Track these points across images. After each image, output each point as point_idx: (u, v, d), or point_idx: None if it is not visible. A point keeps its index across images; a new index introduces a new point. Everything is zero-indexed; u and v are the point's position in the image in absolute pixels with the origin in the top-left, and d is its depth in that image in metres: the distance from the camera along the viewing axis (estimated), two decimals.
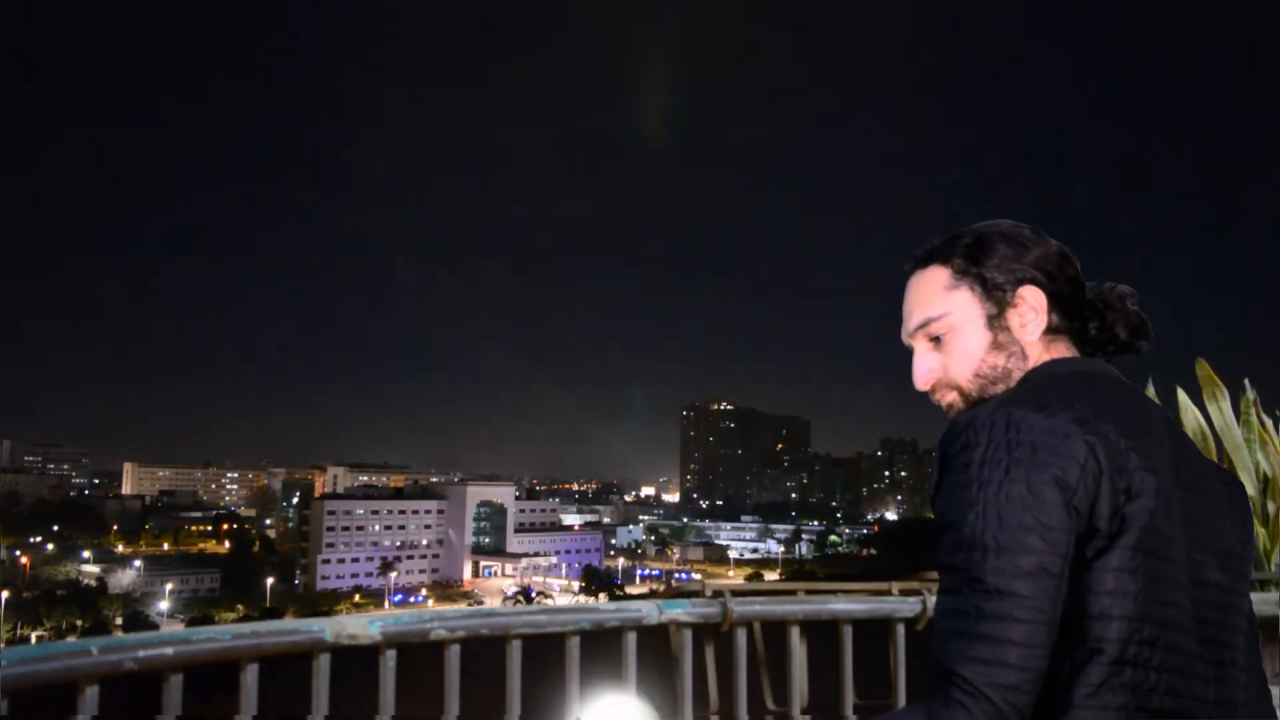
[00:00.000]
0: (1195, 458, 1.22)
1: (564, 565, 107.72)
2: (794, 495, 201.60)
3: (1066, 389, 1.16)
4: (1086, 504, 1.06)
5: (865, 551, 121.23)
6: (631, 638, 2.09)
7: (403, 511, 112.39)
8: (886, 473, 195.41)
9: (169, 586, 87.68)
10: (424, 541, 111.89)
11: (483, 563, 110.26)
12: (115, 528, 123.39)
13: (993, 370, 1.28)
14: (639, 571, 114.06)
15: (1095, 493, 1.07)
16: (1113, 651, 1.05)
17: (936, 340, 1.31)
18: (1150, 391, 2.85)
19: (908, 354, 1.34)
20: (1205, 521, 1.17)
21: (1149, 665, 1.05)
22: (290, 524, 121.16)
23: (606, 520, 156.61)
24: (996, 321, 1.28)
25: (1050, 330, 1.28)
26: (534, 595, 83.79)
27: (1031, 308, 1.28)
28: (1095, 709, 1.04)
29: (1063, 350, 1.29)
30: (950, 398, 1.31)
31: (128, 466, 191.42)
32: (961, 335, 1.29)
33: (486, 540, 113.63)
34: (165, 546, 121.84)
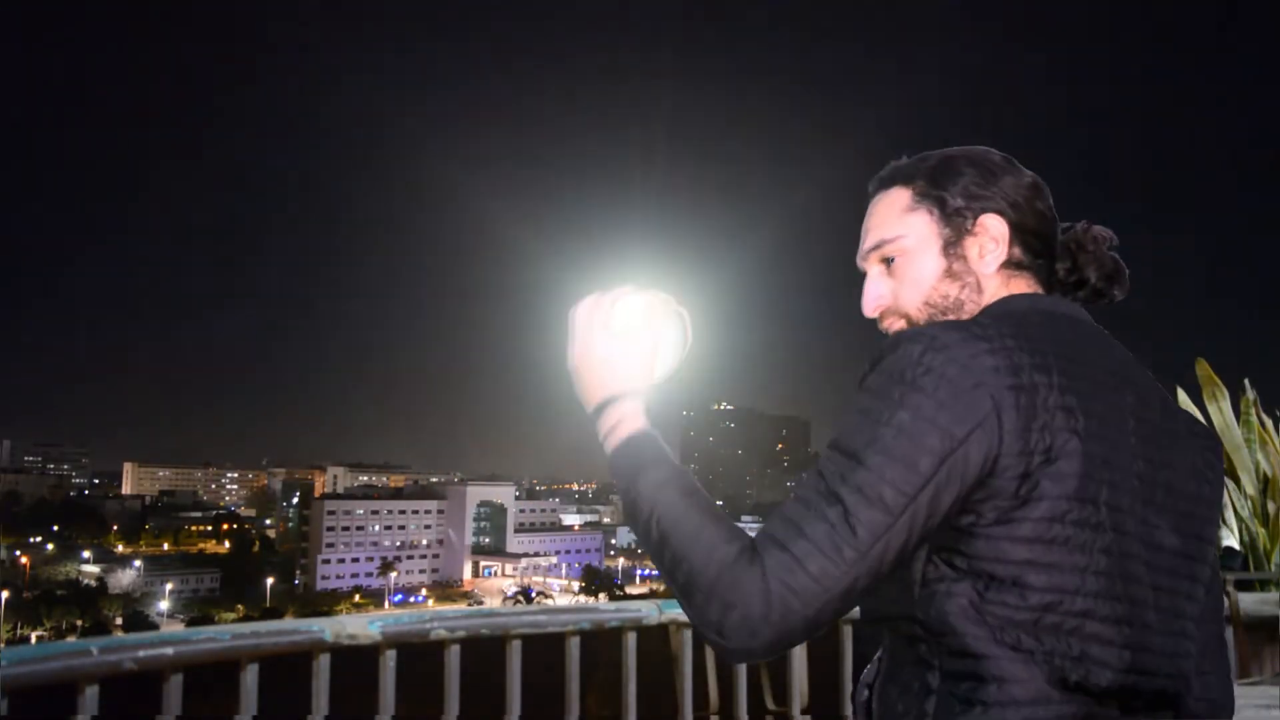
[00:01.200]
0: (1160, 410, 1.12)
1: (564, 565, 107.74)
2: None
3: (1012, 328, 1.05)
4: (978, 462, 0.96)
5: None
6: (631, 638, 2.09)
7: (403, 511, 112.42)
8: None
9: (169, 586, 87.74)
10: (424, 541, 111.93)
11: (483, 563, 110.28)
12: (115, 528, 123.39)
13: (943, 299, 1.20)
14: (639, 571, 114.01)
15: (993, 451, 0.96)
16: (1026, 622, 0.96)
17: (889, 264, 1.24)
18: None
19: None
20: (1164, 480, 1.07)
21: (1072, 638, 0.96)
22: (290, 524, 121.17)
23: (606, 520, 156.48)
24: (953, 249, 1.21)
25: (1011, 264, 1.20)
26: (534, 595, 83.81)
27: (992, 237, 1.20)
28: (1018, 682, 0.96)
29: (1022, 287, 1.21)
30: (897, 326, 1.23)
31: (128, 466, 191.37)
32: (914, 260, 1.22)
33: (486, 540, 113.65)
34: (165, 546, 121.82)
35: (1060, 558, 0.97)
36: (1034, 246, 1.22)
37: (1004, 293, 1.20)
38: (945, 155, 1.25)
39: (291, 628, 1.78)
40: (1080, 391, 1.02)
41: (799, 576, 0.92)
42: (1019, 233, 1.21)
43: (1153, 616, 1.01)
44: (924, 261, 1.21)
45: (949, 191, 1.22)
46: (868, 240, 1.26)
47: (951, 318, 1.18)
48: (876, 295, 1.25)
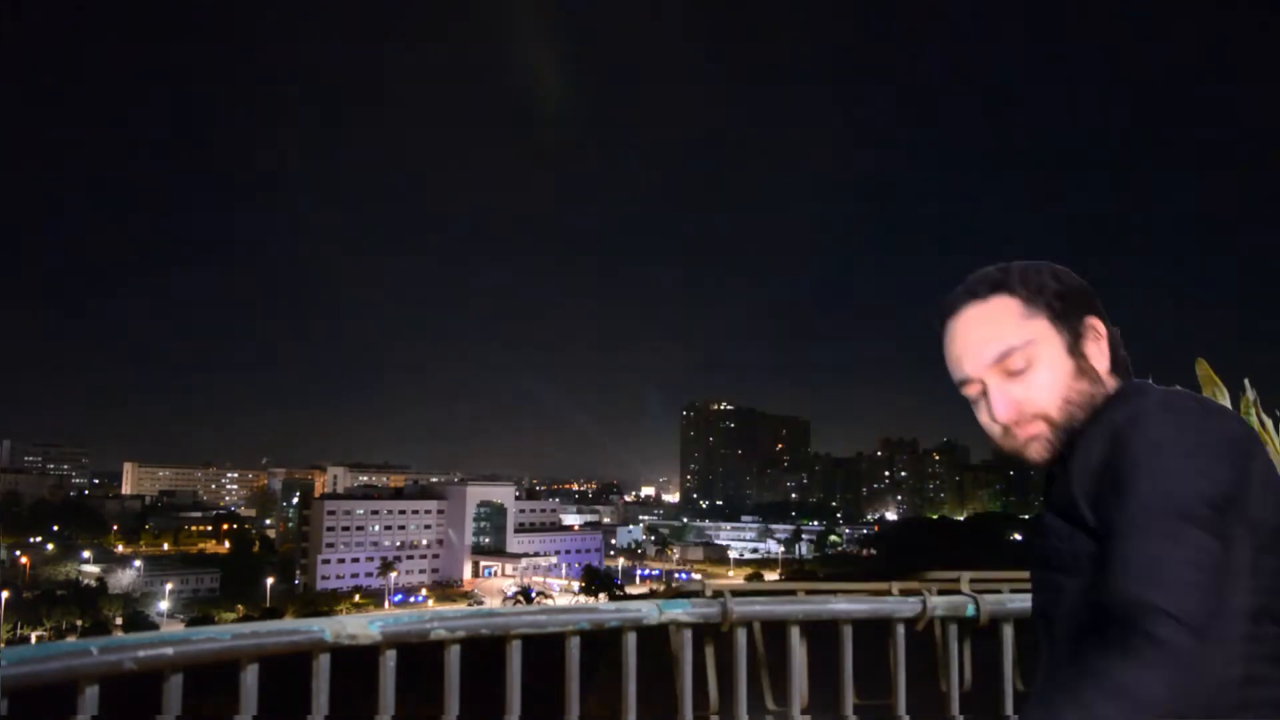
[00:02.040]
0: None
1: (564, 565, 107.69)
2: (794, 495, 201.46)
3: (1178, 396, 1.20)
4: (1251, 471, 1.14)
5: (865, 551, 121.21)
6: (631, 638, 2.09)
7: (403, 511, 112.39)
8: (886, 473, 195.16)
9: (169, 586, 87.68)
10: (424, 541, 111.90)
11: (483, 563, 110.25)
12: (115, 528, 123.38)
13: (1080, 397, 1.26)
14: (639, 571, 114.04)
15: (1260, 460, 1.15)
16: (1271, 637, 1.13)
17: (1012, 371, 1.27)
18: None
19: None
20: None
21: None
22: (290, 524, 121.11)
23: (606, 520, 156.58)
24: (1076, 349, 1.27)
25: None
26: (534, 595, 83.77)
27: (1101, 335, 1.29)
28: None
29: (1121, 377, 1.30)
30: (1036, 429, 1.27)
31: (128, 466, 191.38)
32: (1046, 363, 1.26)
33: (486, 540, 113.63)
34: (165, 546, 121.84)
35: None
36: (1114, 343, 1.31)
37: (1115, 386, 1.28)
38: (1024, 266, 1.32)
39: (291, 628, 1.78)
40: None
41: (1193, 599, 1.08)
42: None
43: None
44: (1056, 362, 1.26)
45: (1055, 294, 1.28)
46: (988, 350, 1.28)
47: (1084, 415, 1.25)
48: (1012, 401, 1.27)
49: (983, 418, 1.32)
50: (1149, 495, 1.09)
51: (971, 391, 1.32)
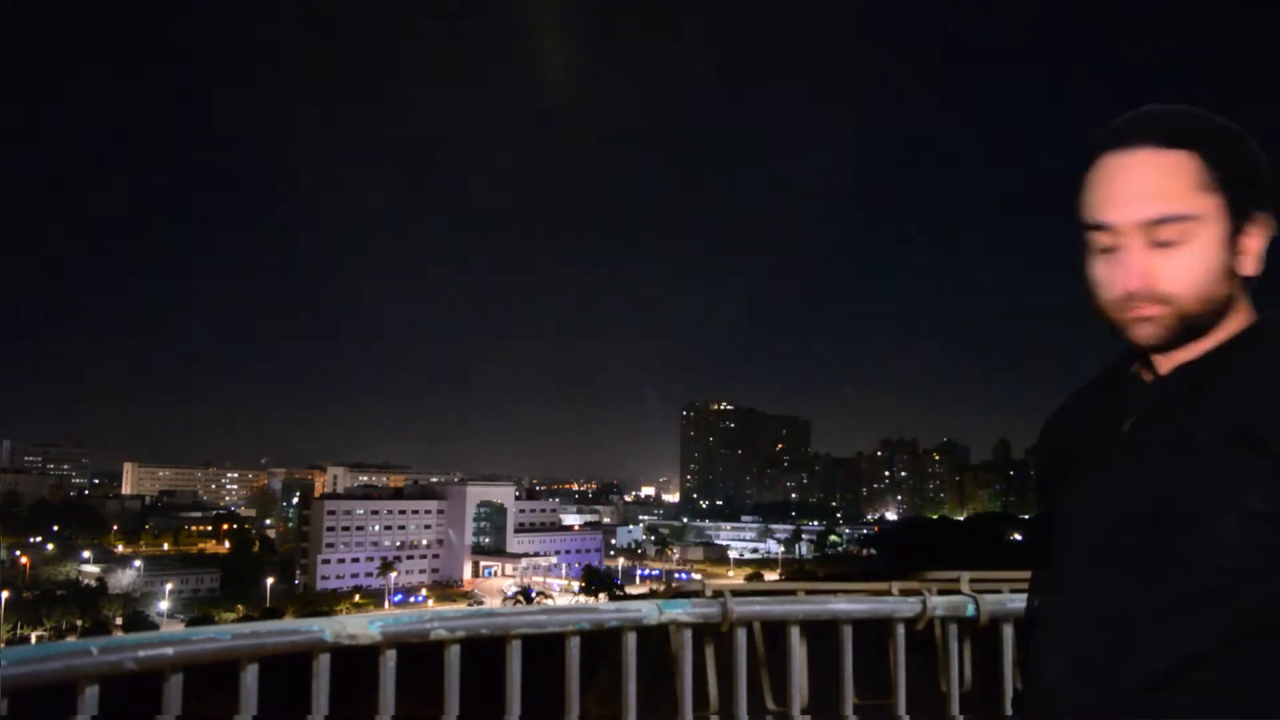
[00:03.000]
0: None
1: (564, 565, 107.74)
2: (794, 495, 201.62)
3: None
4: None
5: (865, 551, 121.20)
6: (631, 638, 2.09)
7: (403, 511, 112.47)
8: (886, 473, 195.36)
9: (169, 586, 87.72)
10: (424, 541, 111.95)
11: (483, 563, 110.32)
12: (115, 528, 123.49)
13: (1214, 299, 1.08)
14: (639, 571, 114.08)
15: None
16: None
17: (1162, 242, 1.07)
18: None
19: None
20: None
21: None
22: (290, 524, 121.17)
23: (606, 520, 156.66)
24: (1237, 244, 1.08)
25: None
26: (534, 595, 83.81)
27: (1268, 237, 1.09)
28: None
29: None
30: (1157, 311, 1.09)
31: (128, 466, 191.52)
32: (1200, 248, 1.07)
33: (486, 540, 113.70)
34: (165, 546, 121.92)
35: None
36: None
37: (1246, 303, 1.11)
38: (1224, 127, 1.09)
39: (291, 628, 1.78)
40: None
41: None
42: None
43: None
44: (1210, 252, 1.07)
45: (1244, 175, 1.08)
46: (1148, 208, 1.07)
47: (1209, 321, 1.09)
48: (1147, 272, 1.08)
49: (1100, 272, 1.12)
50: None
51: (1103, 240, 1.11)
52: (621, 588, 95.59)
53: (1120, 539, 1.09)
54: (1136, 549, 1.06)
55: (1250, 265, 1.09)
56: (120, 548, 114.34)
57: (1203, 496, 1.01)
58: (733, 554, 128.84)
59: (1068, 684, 1.09)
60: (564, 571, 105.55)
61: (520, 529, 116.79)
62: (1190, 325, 1.09)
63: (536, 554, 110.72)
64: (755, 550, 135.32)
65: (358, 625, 1.82)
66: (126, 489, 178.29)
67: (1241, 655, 0.98)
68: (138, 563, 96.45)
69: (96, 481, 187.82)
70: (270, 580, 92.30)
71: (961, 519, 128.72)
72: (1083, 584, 1.12)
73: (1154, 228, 1.07)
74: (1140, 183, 1.07)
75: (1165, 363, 1.14)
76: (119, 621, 73.27)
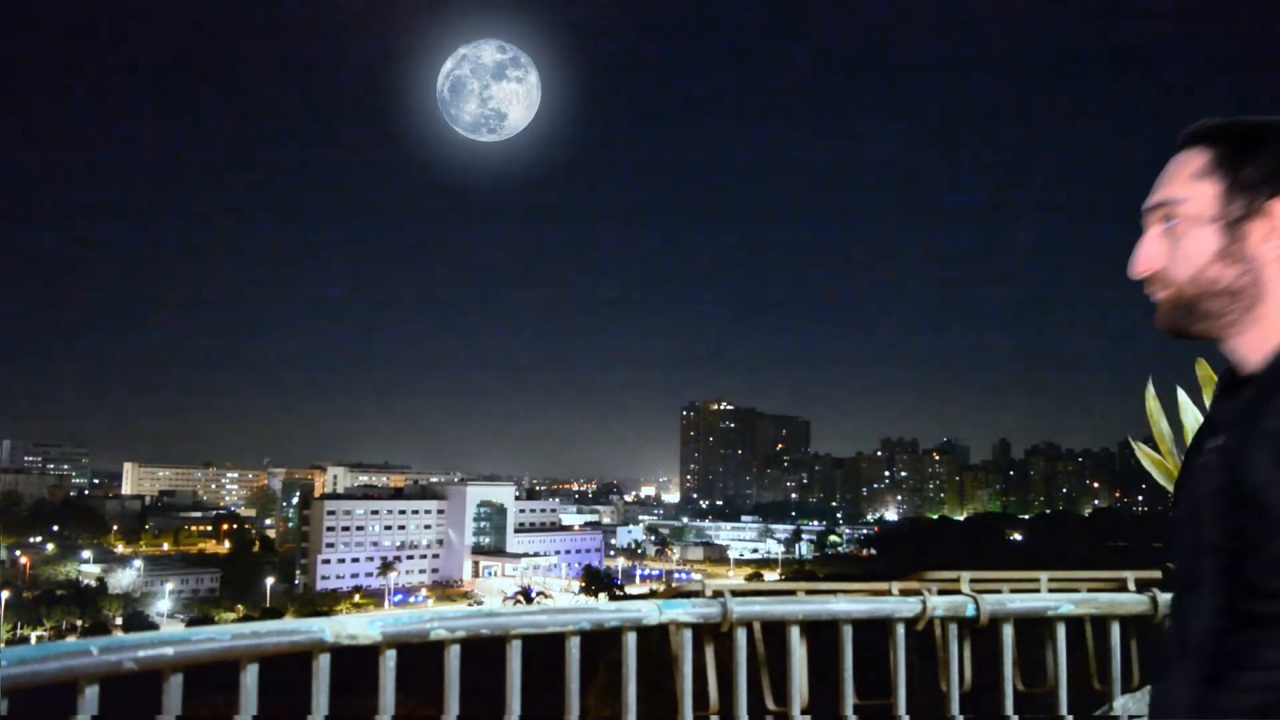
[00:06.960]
0: None
1: (564, 565, 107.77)
2: (794, 495, 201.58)
3: None
4: None
5: (865, 551, 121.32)
6: (631, 638, 2.09)
7: (403, 511, 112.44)
8: (886, 473, 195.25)
9: (169, 586, 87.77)
10: (424, 541, 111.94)
11: (483, 563, 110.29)
12: (115, 528, 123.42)
13: (1212, 283, 1.11)
14: (639, 571, 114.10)
15: None
16: None
17: (1171, 227, 1.15)
18: (1150, 391, 2.84)
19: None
20: None
21: None
22: (290, 524, 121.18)
23: (606, 520, 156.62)
24: (1235, 229, 1.11)
25: None
26: (534, 595, 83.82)
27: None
28: None
29: None
30: (1162, 295, 1.16)
31: (128, 466, 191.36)
32: (1190, 231, 1.13)
33: (486, 540, 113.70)
34: (165, 546, 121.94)
35: None
36: None
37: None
38: (1261, 123, 1.13)
39: (291, 628, 1.78)
40: None
41: None
42: None
43: None
44: (1200, 235, 1.12)
45: (1250, 163, 1.11)
46: (1154, 195, 1.17)
47: (1218, 305, 1.11)
48: (1147, 256, 1.17)
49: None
50: None
51: (1144, 221, 1.19)
52: (621, 588, 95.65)
53: (1197, 568, 1.10)
54: (1213, 577, 1.07)
55: (1269, 247, 1.10)
56: (120, 548, 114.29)
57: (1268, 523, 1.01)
58: (733, 554, 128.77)
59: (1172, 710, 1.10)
60: (564, 571, 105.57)
61: (520, 529, 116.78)
62: (1191, 309, 1.13)
63: (536, 554, 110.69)
64: (755, 550, 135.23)
65: (358, 625, 1.82)
66: (126, 489, 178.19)
67: None
68: (138, 563, 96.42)
69: (96, 481, 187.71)
70: (270, 580, 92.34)
71: (961, 519, 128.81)
72: (1176, 613, 1.15)
73: (1154, 213, 1.16)
74: (1164, 173, 1.18)
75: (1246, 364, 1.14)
76: (119, 621, 73.34)
